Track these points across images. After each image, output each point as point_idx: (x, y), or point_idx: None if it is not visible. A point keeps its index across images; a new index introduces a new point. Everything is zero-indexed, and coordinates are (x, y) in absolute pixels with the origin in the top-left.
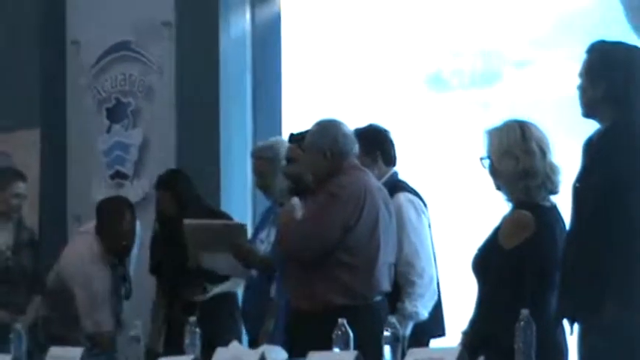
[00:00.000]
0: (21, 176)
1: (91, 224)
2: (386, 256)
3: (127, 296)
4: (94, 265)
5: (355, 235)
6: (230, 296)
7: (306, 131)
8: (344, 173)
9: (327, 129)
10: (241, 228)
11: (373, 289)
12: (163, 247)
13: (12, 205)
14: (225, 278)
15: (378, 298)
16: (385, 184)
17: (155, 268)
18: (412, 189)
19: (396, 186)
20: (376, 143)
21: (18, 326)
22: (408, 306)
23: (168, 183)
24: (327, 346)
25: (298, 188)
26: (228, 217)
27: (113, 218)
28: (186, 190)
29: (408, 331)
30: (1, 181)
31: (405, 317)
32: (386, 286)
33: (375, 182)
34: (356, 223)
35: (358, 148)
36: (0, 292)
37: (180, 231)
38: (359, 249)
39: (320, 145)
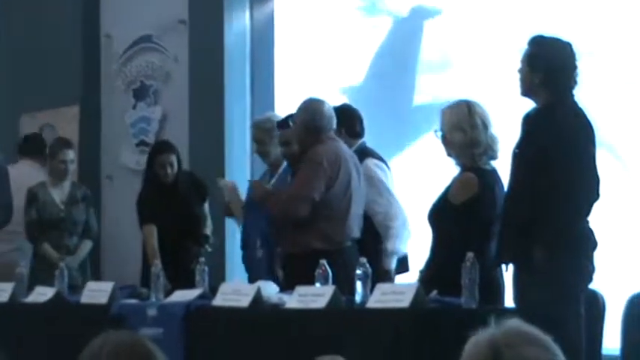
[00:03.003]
0: (68, 145)
1: None
2: (356, 209)
3: None
4: None
5: (333, 193)
6: None
7: (288, 116)
8: (321, 143)
9: (309, 107)
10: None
11: (346, 235)
12: (167, 201)
13: (61, 169)
14: None
15: (349, 243)
16: (355, 151)
17: (153, 220)
18: (378, 155)
19: (363, 153)
20: (340, 120)
21: (62, 265)
22: (389, 246)
23: (173, 148)
24: (310, 282)
25: (295, 165)
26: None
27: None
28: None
29: (394, 265)
30: (52, 150)
31: (387, 255)
32: (356, 232)
33: (346, 149)
34: (334, 183)
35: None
36: (53, 236)
37: (181, 187)
38: (335, 203)
39: (303, 120)
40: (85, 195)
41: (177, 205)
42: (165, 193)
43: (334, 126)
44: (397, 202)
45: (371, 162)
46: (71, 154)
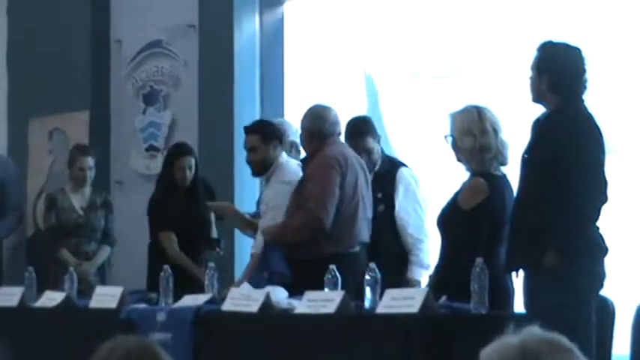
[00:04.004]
0: (86, 152)
1: None
2: (364, 212)
3: None
4: None
5: (342, 195)
6: None
7: (255, 122)
8: (327, 147)
9: (313, 113)
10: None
11: (355, 239)
12: (183, 204)
13: (80, 176)
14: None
15: (358, 247)
16: (384, 160)
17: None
18: (405, 164)
19: (393, 162)
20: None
21: (71, 269)
22: (424, 258)
23: (192, 151)
24: (319, 287)
25: (259, 173)
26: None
27: None
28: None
29: (421, 276)
30: (71, 157)
31: (420, 266)
32: (365, 236)
33: (351, 152)
34: (342, 182)
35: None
36: (71, 242)
37: (200, 190)
38: (344, 206)
39: (306, 127)
40: (105, 201)
41: (193, 209)
42: (181, 196)
43: (339, 131)
44: (427, 218)
45: (407, 172)
46: (90, 161)
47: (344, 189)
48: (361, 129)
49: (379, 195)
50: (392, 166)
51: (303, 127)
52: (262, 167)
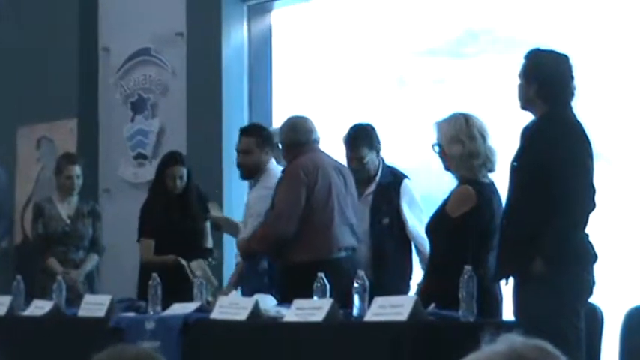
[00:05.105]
0: (73, 160)
1: None
2: (343, 217)
3: None
4: None
5: (314, 201)
6: None
7: (254, 125)
8: (302, 155)
9: (288, 125)
10: None
11: (333, 245)
12: (174, 213)
13: (67, 185)
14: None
15: (341, 253)
16: (384, 171)
17: (155, 233)
18: (407, 176)
19: (394, 172)
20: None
21: (59, 278)
22: None
23: (184, 160)
24: (300, 294)
25: (249, 176)
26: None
27: None
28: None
29: None
30: (58, 166)
31: None
32: (348, 242)
33: (327, 159)
34: (313, 189)
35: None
36: (59, 251)
37: (192, 199)
38: (317, 213)
39: (283, 139)
40: (93, 209)
41: (184, 218)
42: (172, 205)
43: (316, 138)
44: None
45: (410, 183)
46: (77, 170)
47: (315, 196)
48: (357, 138)
49: (384, 207)
50: (395, 177)
51: (280, 140)
52: (253, 171)
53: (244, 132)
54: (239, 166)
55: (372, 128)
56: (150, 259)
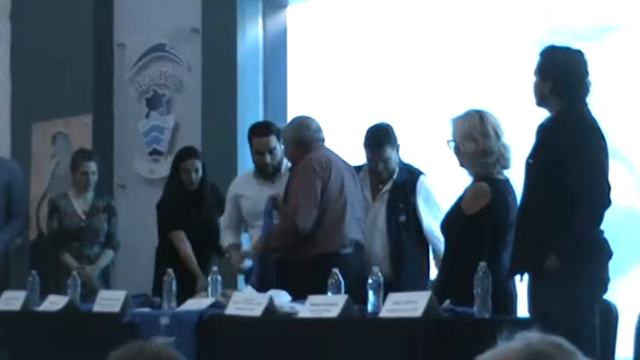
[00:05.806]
0: (89, 156)
1: None
2: (353, 212)
3: None
4: None
5: (327, 196)
6: None
7: (267, 123)
8: (311, 152)
9: (296, 123)
10: None
11: (343, 240)
12: (191, 209)
13: (82, 180)
14: None
15: (349, 249)
16: (402, 168)
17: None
18: (423, 172)
19: (410, 170)
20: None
21: (74, 273)
22: None
23: (198, 153)
24: (311, 288)
25: (273, 175)
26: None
27: None
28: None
29: None
30: (74, 161)
31: None
32: (357, 236)
33: (335, 156)
34: (326, 187)
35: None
36: (74, 246)
37: (207, 194)
38: (330, 207)
39: (291, 137)
40: (108, 205)
41: (200, 214)
42: (189, 200)
43: (322, 137)
44: None
45: (427, 180)
46: (92, 166)
47: (328, 190)
48: (380, 138)
49: (400, 205)
50: (411, 175)
51: (286, 138)
52: (277, 169)
53: (265, 131)
54: (265, 165)
55: (390, 127)
56: (186, 255)
